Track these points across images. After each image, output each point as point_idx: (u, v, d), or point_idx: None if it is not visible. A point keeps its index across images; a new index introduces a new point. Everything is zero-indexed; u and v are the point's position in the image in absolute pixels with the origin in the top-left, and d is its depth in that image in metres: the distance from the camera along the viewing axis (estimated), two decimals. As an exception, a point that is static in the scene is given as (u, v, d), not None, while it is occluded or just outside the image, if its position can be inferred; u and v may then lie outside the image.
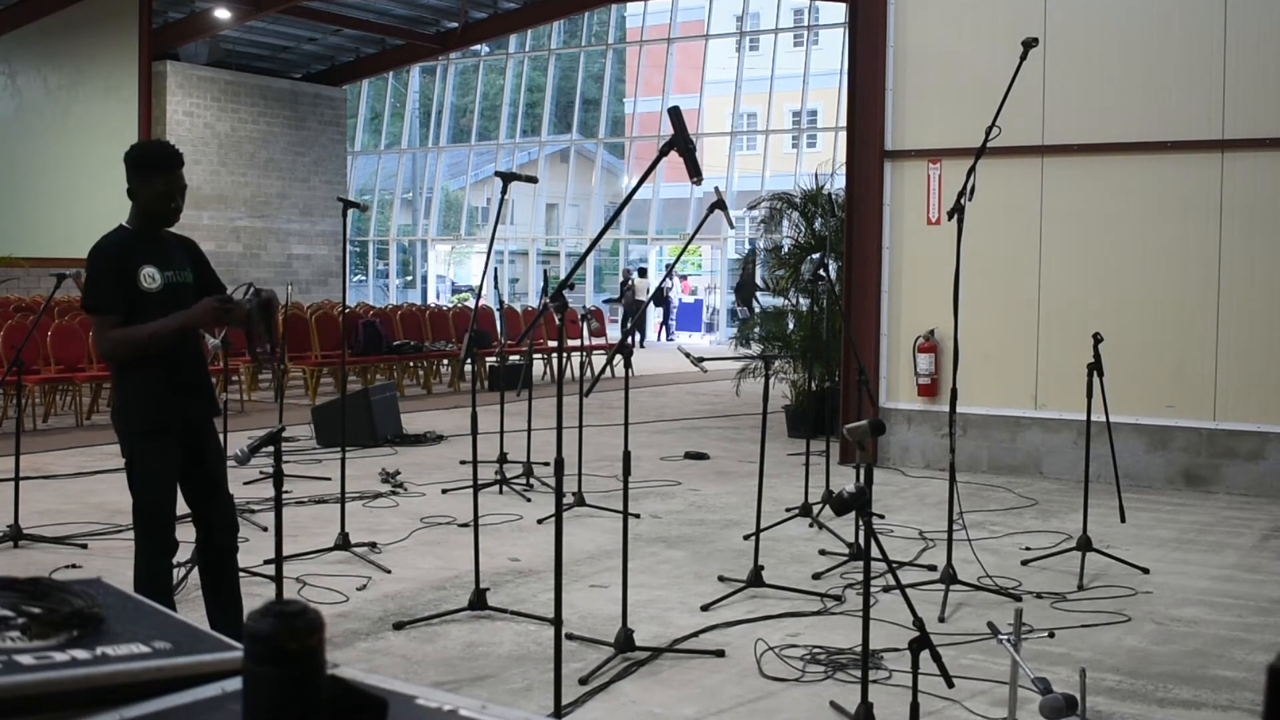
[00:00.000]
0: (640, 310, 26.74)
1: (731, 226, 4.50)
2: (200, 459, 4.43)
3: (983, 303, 8.81)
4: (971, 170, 5.76)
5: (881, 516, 7.46)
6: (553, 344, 17.06)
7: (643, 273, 28.85)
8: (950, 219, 5.77)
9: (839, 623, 5.36)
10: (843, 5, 14.90)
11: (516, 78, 30.92)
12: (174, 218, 4.37)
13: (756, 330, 12.11)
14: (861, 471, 4.36)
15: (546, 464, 8.95)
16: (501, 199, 5.68)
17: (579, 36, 30.58)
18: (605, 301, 29.31)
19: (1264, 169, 8.41)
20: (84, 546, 6.66)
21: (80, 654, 1.28)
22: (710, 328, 29.22)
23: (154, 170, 4.31)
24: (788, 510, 7.57)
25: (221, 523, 4.47)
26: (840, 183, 11.03)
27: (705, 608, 5.55)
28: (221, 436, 7.56)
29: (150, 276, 4.28)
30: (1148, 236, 8.76)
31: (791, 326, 11.76)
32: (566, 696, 4.24)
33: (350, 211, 6.97)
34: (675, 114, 4.03)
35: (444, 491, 8.41)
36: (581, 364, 10.29)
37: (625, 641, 4.83)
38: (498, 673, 4.70)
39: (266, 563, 4.49)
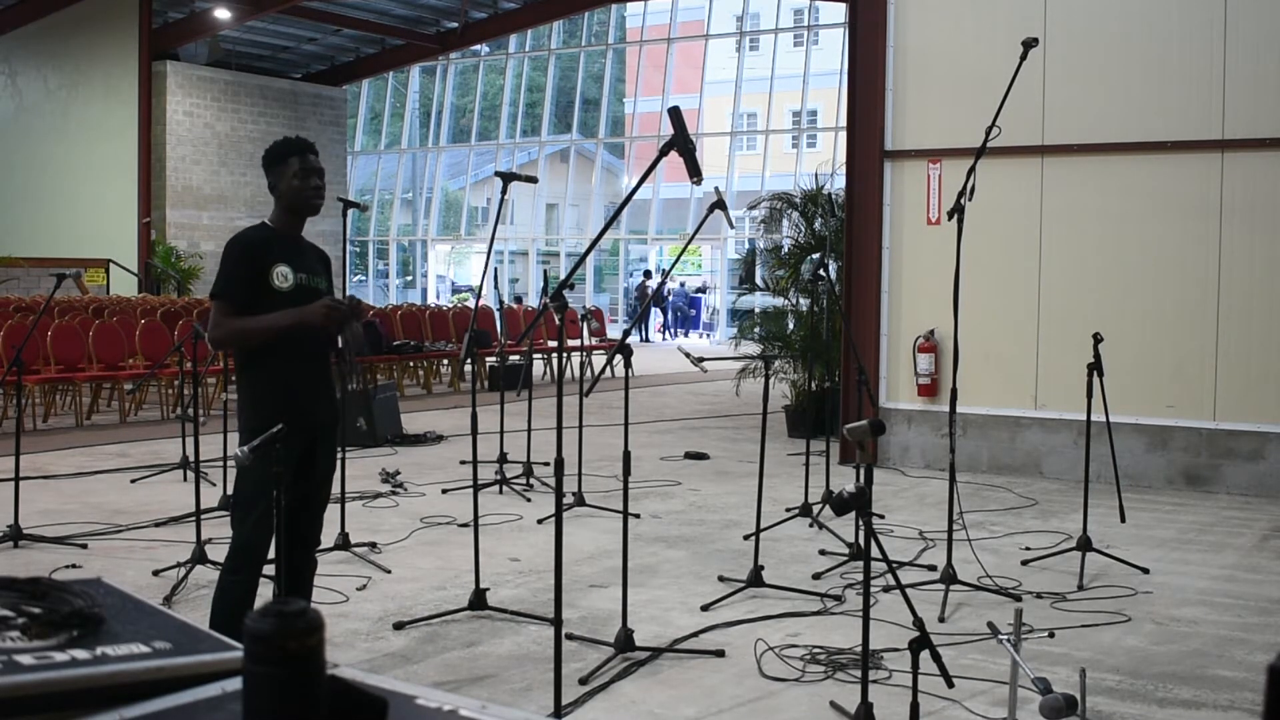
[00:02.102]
0: (643, 309, 26.78)
1: (731, 226, 4.50)
2: (307, 466, 4.32)
3: (983, 303, 8.80)
4: (971, 170, 5.76)
5: (881, 516, 7.46)
6: (553, 344, 17.08)
7: (647, 274, 28.94)
8: (950, 219, 5.77)
9: (839, 623, 5.36)
10: (843, 5, 14.92)
11: (516, 78, 30.92)
12: (318, 198, 4.35)
13: (757, 330, 12.11)
14: (861, 471, 4.36)
15: (546, 464, 8.95)
16: (501, 199, 5.68)
17: (579, 36, 30.59)
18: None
19: (1264, 169, 8.41)
20: (84, 546, 6.66)
21: (80, 654, 1.28)
22: (709, 328, 29.25)
23: (287, 155, 4.33)
24: (788, 510, 7.57)
25: (302, 536, 4.33)
26: (840, 183, 11.03)
27: (705, 608, 5.55)
28: (224, 436, 7.60)
29: (283, 275, 4.26)
30: (1148, 236, 8.76)
31: (791, 326, 11.76)
32: (566, 696, 4.24)
33: (350, 211, 6.97)
34: (675, 114, 4.02)
35: (444, 491, 8.41)
36: (582, 364, 10.29)
37: (625, 641, 4.83)
38: (498, 673, 4.70)
39: (267, 562, 4.51)
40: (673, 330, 29.54)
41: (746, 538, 6.69)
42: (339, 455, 6.77)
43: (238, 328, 4.22)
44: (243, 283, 4.23)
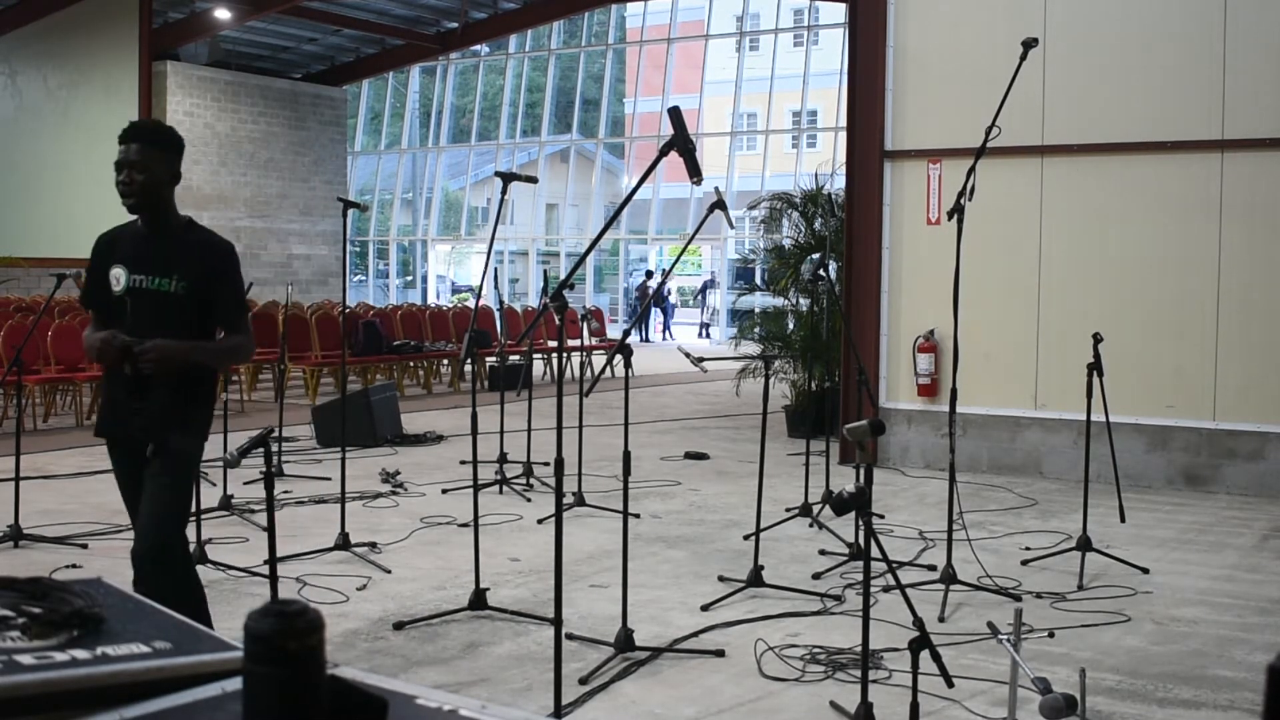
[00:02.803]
0: (643, 309, 26.80)
1: (731, 226, 4.37)
2: (143, 475, 4.14)
3: (983, 303, 8.80)
4: (971, 170, 5.76)
5: (881, 516, 7.46)
6: (553, 344, 17.08)
7: (648, 274, 28.97)
8: (950, 219, 5.77)
9: (839, 623, 5.36)
10: (843, 5, 14.91)
11: (516, 78, 30.92)
12: (127, 196, 3.98)
13: (757, 330, 12.11)
14: (861, 471, 4.36)
15: (546, 464, 8.95)
16: (501, 199, 5.68)
17: (579, 36, 30.58)
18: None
19: (1264, 169, 8.41)
20: (84, 546, 6.66)
21: (80, 654, 1.28)
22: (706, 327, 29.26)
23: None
24: (788, 510, 7.57)
25: (139, 545, 4.08)
26: (840, 183, 11.03)
27: (705, 608, 5.55)
28: (224, 436, 7.59)
29: (116, 279, 4.04)
30: (1147, 236, 8.76)
31: (791, 326, 11.76)
32: (566, 696, 4.25)
33: (350, 211, 6.98)
34: (675, 114, 4.02)
35: (444, 491, 8.40)
36: (582, 364, 10.28)
37: (625, 641, 4.83)
38: (498, 673, 4.70)
39: (264, 563, 4.51)
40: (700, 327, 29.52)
41: (746, 538, 6.69)
42: (342, 455, 6.75)
43: (84, 342, 4.13)
44: (88, 287, 4.14)
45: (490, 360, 15.19)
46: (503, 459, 8.64)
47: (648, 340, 27.16)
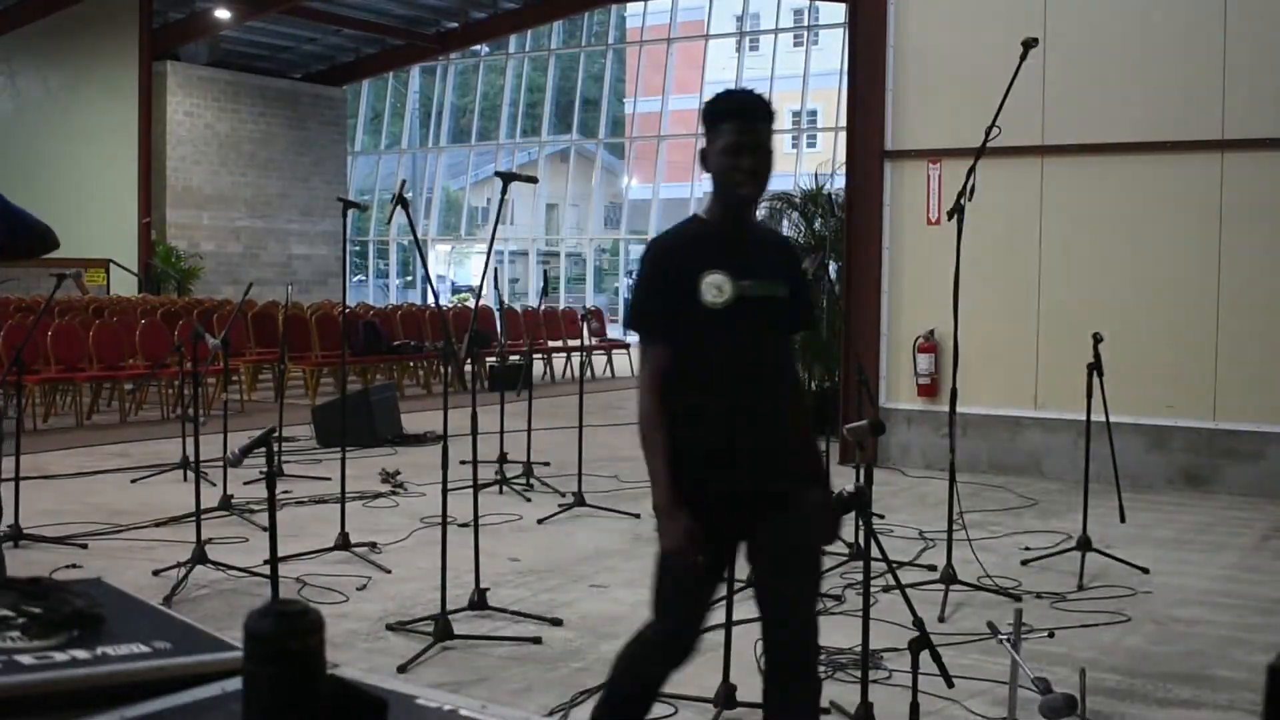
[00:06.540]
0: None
1: None
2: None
3: (983, 303, 8.79)
4: (971, 170, 5.76)
5: (881, 516, 7.45)
6: (553, 344, 17.11)
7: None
8: (950, 219, 5.77)
9: (839, 623, 5.35)
10: (843, 5, 14.90)
11: (516, 78, 30.92)
12: (747, 186, 3.10)
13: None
14: (861, 471, 4.35)
15: (547, 464, 8.95)
16: (501, 199, 5.68)
17: (579, 36, 30.58)
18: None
19: (1264, 169, 8.40)
20: (84, 546, 6.65)
21: (80, 654, 1.28)
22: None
23: (722, 118, 3.10)
24: (788, 510, 7.55)
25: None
26: (840, 183, 11.03)
27: (705, 608, 5.54)
28: (224, 436, 7.59)
29: (717, 287, 3.09)
30: (1148, 236, 8.75)
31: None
32: (565, 695, 4.25)
33: (350, 211, 6.98)
34: None
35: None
36: (582, 364, 10.27)
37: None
38: (497, 673, 4.70)
39: (264, 563, 4.51)
40: None
41: (746, 538, 6.68)
42: (342, 455, 6.74)
43: (645, 386, 3.14)
44: (658, 308, 3.15)
45: (490, 360, 15.18)
46: (503, 459, 8.64)
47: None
